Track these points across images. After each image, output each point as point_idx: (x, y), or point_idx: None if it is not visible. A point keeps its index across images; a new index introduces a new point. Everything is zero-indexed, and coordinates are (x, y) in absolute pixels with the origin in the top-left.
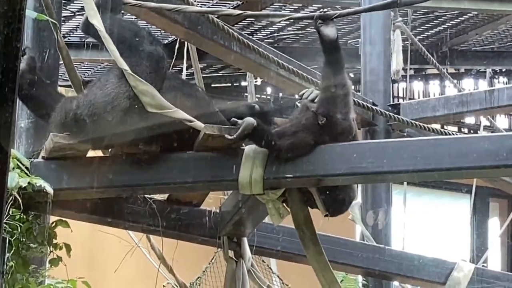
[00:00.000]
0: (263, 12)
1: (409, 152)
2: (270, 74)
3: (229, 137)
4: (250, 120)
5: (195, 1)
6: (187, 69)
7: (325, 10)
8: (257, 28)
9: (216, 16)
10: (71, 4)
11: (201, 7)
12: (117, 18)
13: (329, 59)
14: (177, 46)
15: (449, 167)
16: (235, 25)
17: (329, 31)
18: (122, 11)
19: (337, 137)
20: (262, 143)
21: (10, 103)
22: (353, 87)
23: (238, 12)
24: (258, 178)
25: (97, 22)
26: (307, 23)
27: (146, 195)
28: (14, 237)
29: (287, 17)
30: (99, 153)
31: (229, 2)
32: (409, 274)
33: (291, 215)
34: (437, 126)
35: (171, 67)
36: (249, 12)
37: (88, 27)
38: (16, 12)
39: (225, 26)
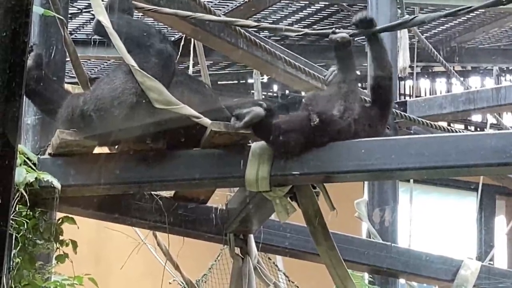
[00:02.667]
0: (279, 26)
1: (415, 150)
2: (277, 71)
3: (236, 124)
4: (258, 109)
5: None
6: (193, 66)
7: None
8: None
9: (223, 14)
10: (78, 1)
11: (207, 3)
12: (128, 17)
13: (338, 56)
14: (182, 43)
15: (456, 165)
16: None
17: (342, 34)
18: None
19: (335, 136)
20: (268, 138)
21: (17, 98)
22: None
23: (255, 24)
24: (265, 175)
25: (103, 18)
26: (313, 20)
27: (152, 192)
28: (21, 234)
29: (302, 32)
30: (105, 149)
31: (234, 0)
32: (416, 271)
33: (301, 211)
34: (443, 124)
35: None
36: (266, 25)
37: (99, 27)
38: (23, 7)
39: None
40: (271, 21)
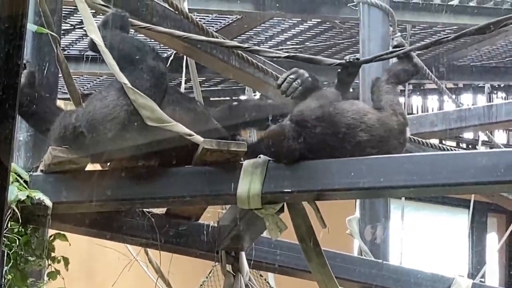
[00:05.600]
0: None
1: (407, 168)
2: (269, 88)
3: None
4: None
5: (193, 15)
6: (186, 83)
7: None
8: (256, 42)
9: (216, 31)
10: (71, 17)
11: (199, 20)
12: (122, 33)
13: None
14: (171, 59)
15: (447, 183)
16: (235, 39)
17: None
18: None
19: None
20: None
21: (10, 120)
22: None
23: (259, 48)
24: (256, 192)
25: (95, 36)
26: (306, 37)
27: (144, 209)
28: (13, 250)
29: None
30: (98, 166)
31: (228, 16)
32: None
33: (293, 228)
34: (435, 141)
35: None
36: (279, 53)
37: (94, 44)
38: (17, 29)
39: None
40: (264, 38)
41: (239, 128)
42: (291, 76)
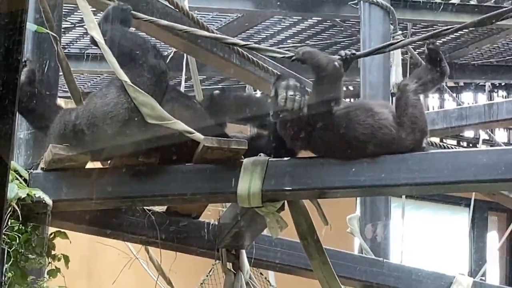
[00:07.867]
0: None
1: (407, 166)
2: (270, 86)
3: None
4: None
5: (194, 13)
6: (186, 81)
7: None
8: (257, 40)
9: (217, 29)
10: (71, 16)
11: (200, 18)
12: (123, 29)
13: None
14: (170, 56)
15: (447, 181)
16: (236, 37)
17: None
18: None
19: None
20: None
21: (10, 115)
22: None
23: (258, 46)
24: (257, 190)
25: (96, 34)
26: (306, 35)
27: (145, 207)
28: (13, 248)
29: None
30: (98, 164)
31: (228, 14)
32: (408, 287)
33: (294, 225)
34: (436, 140)
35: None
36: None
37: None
38: (17, 25)
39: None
40: (264, 36)
41: (223, 118)
42: (290, 93)
